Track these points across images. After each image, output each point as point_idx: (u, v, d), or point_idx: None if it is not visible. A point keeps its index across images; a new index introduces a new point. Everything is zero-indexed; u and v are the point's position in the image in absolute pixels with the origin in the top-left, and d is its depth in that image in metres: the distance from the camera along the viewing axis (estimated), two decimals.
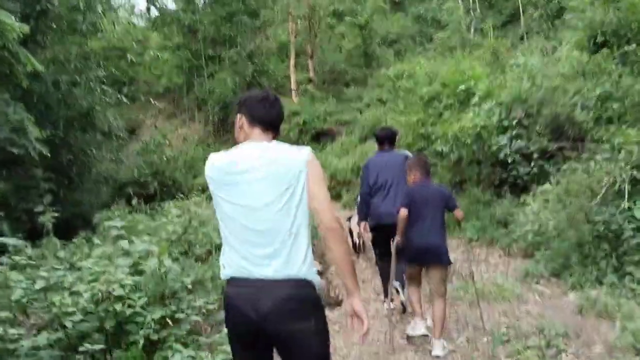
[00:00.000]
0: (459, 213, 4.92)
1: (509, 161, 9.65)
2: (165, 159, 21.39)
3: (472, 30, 24.01)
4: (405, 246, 4.97)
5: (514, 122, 9.87)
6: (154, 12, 30.36)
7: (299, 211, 2.31)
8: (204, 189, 13.28)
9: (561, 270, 6.95)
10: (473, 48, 19.34)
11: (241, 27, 26.08)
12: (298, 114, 22.92)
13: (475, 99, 11.36)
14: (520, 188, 9.68)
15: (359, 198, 6.21)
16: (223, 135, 26.98)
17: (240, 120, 2.52)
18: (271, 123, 2.51)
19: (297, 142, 22.46)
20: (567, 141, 9.11)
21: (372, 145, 8.33)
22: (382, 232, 5.76)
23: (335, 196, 16.11)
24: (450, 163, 11.66)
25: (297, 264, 2.31)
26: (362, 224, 5.99)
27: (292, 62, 24.57)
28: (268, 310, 2.26)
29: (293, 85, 24.49)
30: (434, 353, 4.84)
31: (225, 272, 2.43)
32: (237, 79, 26.18)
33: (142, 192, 17.53)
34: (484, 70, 13.17)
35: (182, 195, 14.39)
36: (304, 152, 2.38)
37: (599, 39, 9.32)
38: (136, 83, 29.79)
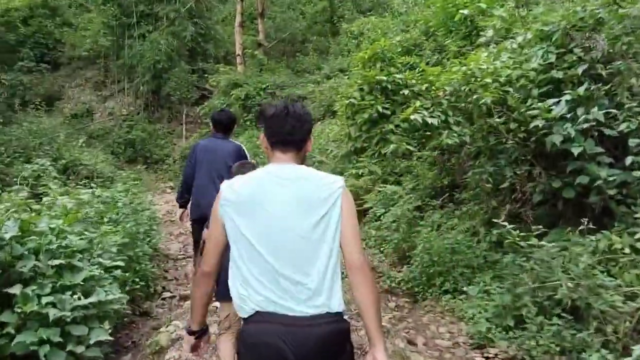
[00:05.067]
0: None
1: (572, 151, 4.16)
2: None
3: None
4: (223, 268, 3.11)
5: (581, 70, 4.40)
6: None
7: (334, 243, 2.03)
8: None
9: None
10: None
11: None
12: (240, 86, 17.16)
13: (489, 34, 5.84)
14: (593, 213, 4.23)
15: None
16: (154, 113, 21.09)
17: (263, 140, 2.19)
18: (291, 142, 2.14)
19: (237, 121, 17.01)
20: None
21: (325, 127, 8.29)
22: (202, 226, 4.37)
23: None
24: (436, 150, 6.15)
25: (335, 297, 2.02)
26: (181, 211, 5.53)
27: (237, 19, 18.65)
28: (309, 349, 1.94)
29: (237, 50, 18.60)
30: None
31: (248, 307, 2.02)
32: (175, 42, 20.29)
33: None
34: None
35: None
36: (339, 181, 2.11)
37: None
38: (62, 46, 23.77)
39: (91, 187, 6.60)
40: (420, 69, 4.90)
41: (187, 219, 5.48)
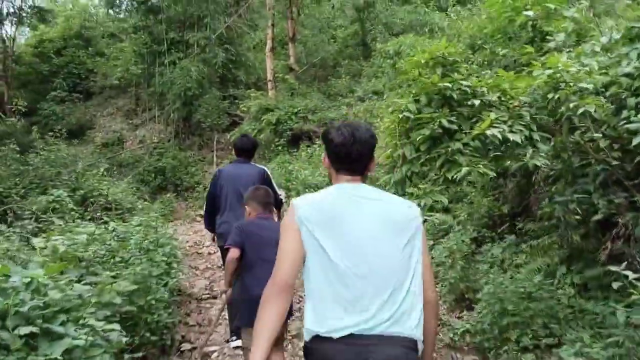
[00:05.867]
0: None
1: None
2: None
3: None
4: (240, 297, 3.78)
5: None
6: None
7: (417, 269, 1.96)
8: None
9: None
10: None
11: (211, 3, 19.61)
12: (271, 110, 16.45)
13: (559, 38, 4.88)
14: None
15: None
16: (185, 140, 20.54)
17: (325, 159, 2.16)
18: (357, 169, 2.07)
19: (269, 146, 16.29)
20: None
21: None
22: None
23: None
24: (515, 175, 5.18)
25: (413, 323, 1.91)
26: (211, 235, 5.40)
27: (268, 45, 18.03)
28: None
29: (269, 75, 17.93)
30: None
31: (319, 328, 1.87)
32: (206, 68, 19.80)
33: None
34: None
35: None
36: (417, 210, 2.07)
37: None
38: (94, 76, 23.61)
39: (105, 221, 5.81)
40: (487, 77, 3.95)
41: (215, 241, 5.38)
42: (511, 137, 3.21)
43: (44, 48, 23.47)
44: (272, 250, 3.56)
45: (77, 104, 22.18)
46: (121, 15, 24.26)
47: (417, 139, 3.38)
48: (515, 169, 4.64)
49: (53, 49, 23.53)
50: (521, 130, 3.27)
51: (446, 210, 7.81)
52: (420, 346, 1.94)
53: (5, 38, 21.32)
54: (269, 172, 5.34)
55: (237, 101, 19.36)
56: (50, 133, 13.14)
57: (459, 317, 5.46)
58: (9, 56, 21.60)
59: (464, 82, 3.46)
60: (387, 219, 1.96)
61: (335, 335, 1.83)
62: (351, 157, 2.04)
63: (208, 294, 7.04)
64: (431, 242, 7.01)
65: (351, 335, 1.83)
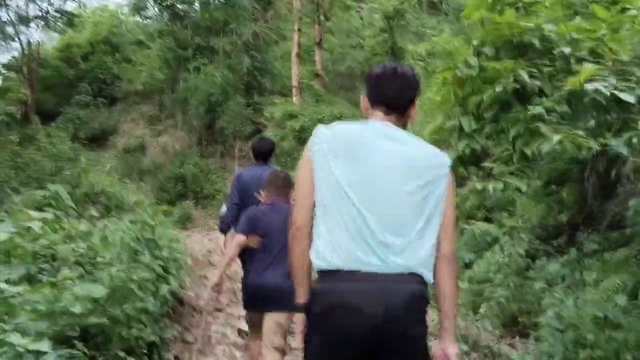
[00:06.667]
0: None
1: None
2: None
3: None
4: (242, 282, 3.80)
5: None
6: None
7: (436, 217, 1.84)
8: None
9: None
10: None
11: (238, 9, 18.98)
12: (295, 117, 15.64)
13: None
14: None
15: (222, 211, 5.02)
16: (207, 147, 19.79)
17: (364, 101, 2.01)
18: (395, 105, 1.93)
19: (291, 153, 15.42)
20: None
21: None
22: None
23: None
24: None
25: (424, 261, 1.81)
26: (223, 238, 4.84)
27: (294, 50, 17.27)
28: (399, 309, 1.73)
29: (294, 81, 17.12)
30: None
31: (328, 262, 1.78)
32: (231, 75, 19.12)
33: None
34: None
35: None
36: (445, 159, 1.90)
37: None
38: (120, 82, 23.12)
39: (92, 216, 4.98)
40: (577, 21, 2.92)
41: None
42: (623, 96, 2.22)
43: (71, 53, 23.15)
44: (277, 238, 3.37)
45: (101, 109, 21.72)
46: (149, 22, 23.96)
47: (483, 101, 2.43)
48: (594, 156, 3.60)
49: (80, 54, 23.20)
50: (632, 89, 2.29)
51: (487, 219, 6.78)
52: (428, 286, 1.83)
53: (30, 41, 21.02)
54: (289, 173, 4.75)
55: (261, 108, 18.61)
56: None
57: (510, 345, 4.43)
58: (34, 59, 21.28)
59: (548, 27, 2.50)
60: (408, 158, 1.84)
61: (343, 274, 1.75)
62: (390, 90, 1.93)
63: (212, 306, 6.11)
64: (472, 256, 5.99)
65: (356, 272, 1.74)
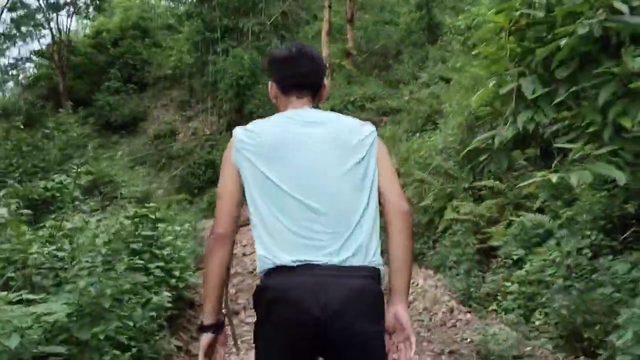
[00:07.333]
0: None
1: None
2: None
3: None
4: None
5: None
6: None
7: (372, 190, 1.76)
8: None
9: None
10: None
11: None
12: (326, 99, 14.85)
13: None
14: None
15: None
16: None
17: (272, 88, 1.95)
18: (306, 85, 1.88)
19: None
20: None
21: (425, 140, 7.27)
22: None
23: None
24: None
25: (371, 250, 1.72)
26: None
27: (325, 27, 16.41)
28: (339, 304, 1.61)
29: (325, 61, 16.29)
30: None
31: (269, 260, 1.69)
32: (260, 57, 18.41)
33: None
34: None
35: None
36: (370, 126, 1.85)
37: None
38: (150, 67, 22.71)
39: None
40: None
41: None
42: None
43: (102, 39, 22.87)
44: None
45: (131, 95, 21.40)
46: (178, 5, 23.46)
47: (554, 54, 1.64)
48: None
49: (110, 40, 22.89)
50: None
51: (539, 210, 5.91)
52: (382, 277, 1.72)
53: (60, 29, 20.80)
54: None
55: None
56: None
57: None
58: (65, 46, 21.07)
59: None
60: (335, 140, 1.76)
61: (283, 270, 1.65)
62: (300, 72, 1.87)
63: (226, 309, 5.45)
64: (521, 252, 5.16)
65: (308, 265, 1.64)
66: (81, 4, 20.72)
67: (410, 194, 7.63)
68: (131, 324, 3.05)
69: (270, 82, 1.94)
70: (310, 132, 1.75)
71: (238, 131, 1.82)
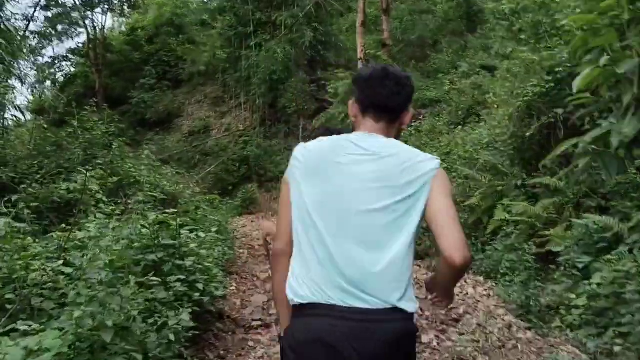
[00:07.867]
0: None
1: None
2: None
3: None
4: None
5: None
6: None
7: (414, 230, 1.64)
8: None
9: None
10: None
11: None
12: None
13: None
14: None
15: None
16: (271, 127, 18.79)
17: (353, 106, 1.85)
18: (386, 109, 1.77)
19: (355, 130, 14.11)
20: None
21: (469, 133, 7.08)
22: None
23: None
24: None
25: (408, 293, 1.63)
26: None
27: (359, 18, 15.84)
28: (375, 351, 1.55)
29: (359, 53, 15.70)
30: None
31: (301, 294, 1.62)
32: (293, 50, 17.98)
33: None
34: None
35: None
36: (433, 161, 1.69)
37: None
38: (184, 64, 22.54)
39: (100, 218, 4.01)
40: None
41: None
42: None
43: (136, 36, 22.86)
44: None
45: (166, 92, 21.31)
46: (211, 0, 23.22)
47: None
48: None
49: (145, 37, 22.85)
50: None
51: (602, 209, 5.27)
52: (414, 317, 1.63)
53: (95, 26, 20.81)
54: None
55: (325, 84, 17.39)
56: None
57: None
58: (100, 44, 21.09)
59: None
60: (381, 179, 1.64)
61: (315, 309, 1.59)
62: (380, 94, 1.76)
63: (259, 319, 5.03)
64: (587, 259, 4.55)
65: (336, 308, 1.56)
66: (116, 1, 20.61)
67: (454, 192, 7.06)
68: (140, 358, 2.61)
69: (351, 100, 1.85)
70: (358, 161, 1.66)
71: (297, 148, 1.79)
